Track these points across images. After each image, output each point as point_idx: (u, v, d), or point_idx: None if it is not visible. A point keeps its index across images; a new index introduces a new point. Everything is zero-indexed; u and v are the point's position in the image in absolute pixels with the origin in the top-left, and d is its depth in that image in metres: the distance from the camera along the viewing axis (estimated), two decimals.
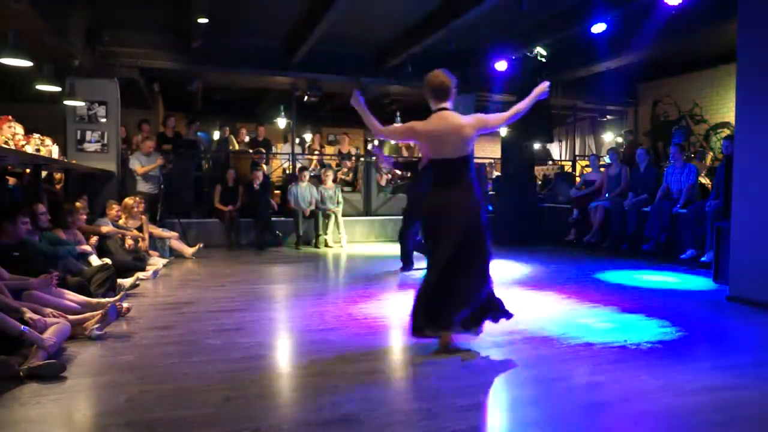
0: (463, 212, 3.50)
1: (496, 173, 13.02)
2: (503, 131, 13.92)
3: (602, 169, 9.35)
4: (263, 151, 10.67)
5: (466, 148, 3.55)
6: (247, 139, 11.54)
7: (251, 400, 2.68)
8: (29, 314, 3.27)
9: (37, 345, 3.03)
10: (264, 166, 9.86)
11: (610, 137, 13.93)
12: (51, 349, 3.09)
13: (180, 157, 9.36)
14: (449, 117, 3.54)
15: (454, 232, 3.45)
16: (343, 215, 9.55)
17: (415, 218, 6.73)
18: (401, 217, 6.93)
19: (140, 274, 5.66)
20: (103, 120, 8.42)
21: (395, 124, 3.71)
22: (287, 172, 11.04)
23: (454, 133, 3.51)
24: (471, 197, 3.55)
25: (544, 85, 3.72)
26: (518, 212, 9.73)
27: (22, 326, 3.06)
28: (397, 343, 3.84)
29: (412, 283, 5.92)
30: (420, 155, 6.94)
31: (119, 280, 5.06)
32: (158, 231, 7.59)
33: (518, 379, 3.03)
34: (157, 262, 6.65)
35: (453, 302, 3.43)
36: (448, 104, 3.60)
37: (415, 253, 6.77)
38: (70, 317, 3.60)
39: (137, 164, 8.36)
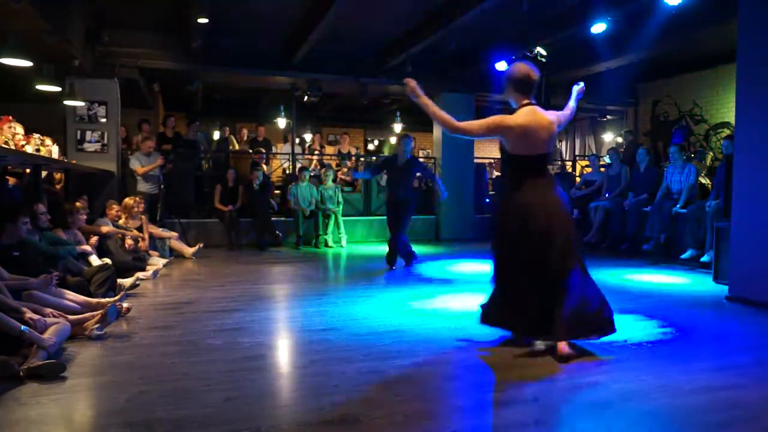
0: (547, 212, 3.36)
1: (496, 173, 13.04)
2: None
3: (602, 169, 9.35)
4: (263, 151, 10.67)
5: (551, 145, 3.51)
6: (245, 133, 11.55)
7: (251, 400, 2.68)
8: (29, 314, 3.27)
9: (37, 345, 3.03)
10: (264, 166, 9.86)
11: (610, 137, 13.93)
12: (51, 349, 3.09)
13: (180, 157, 9.36)
14: (538, 112, 3.45)
15: (542, 233, 3.31)
16: (343, 215, 9.55)
17: (403, 215, 6.74)
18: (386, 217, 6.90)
19: (140, 274, 5.65)
20: (103, 120, 8.42)
21: (476, 120, 3.46)
22: (287, 172, 11.04)
23: (544, 128, 3.41)
24: (559, 194, 3.46)
25: (580, 86, 3.81)
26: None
27: (22, 326, 3.06)
28: (398, 343, 3.84)
29: (411, 283, 5.93)
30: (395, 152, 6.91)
31: (119, 280, 5.06)
32: (158, 231, 7.58)
33: (518, 379, 3.03)
34: (157, 262, 6.65)
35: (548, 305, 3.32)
36: (532, 99, 3.50)
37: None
38: (70, 317, 3.60)
39: (137, 164, 8.36)
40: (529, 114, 3.43)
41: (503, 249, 3.55)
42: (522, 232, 3.37)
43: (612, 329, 3.43)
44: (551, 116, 3.48)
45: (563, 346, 3.28)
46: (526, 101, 3.48)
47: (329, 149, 13.35)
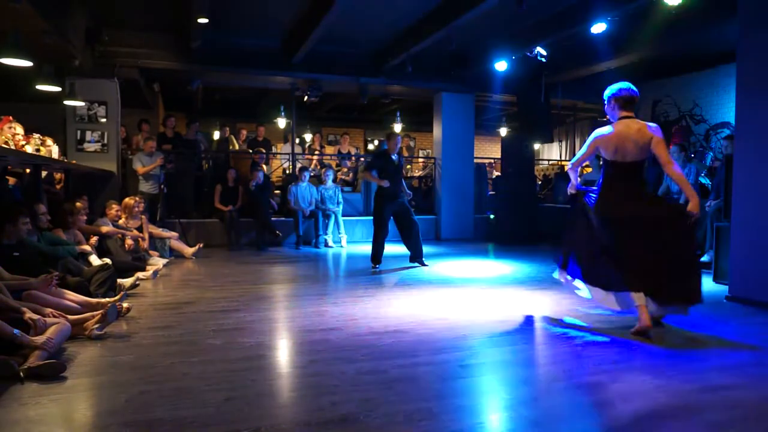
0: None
1: (496, 173, 13.04)
2: (503, 131, 13.97)
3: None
4: (263, 151, 10.68)
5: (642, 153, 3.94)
6: (244, 133, 11.57)
7: (251, 400, 2.68)
8: (29, 314, 3.27)
9: (30, 347, 3.03)
10: (264, 166, 9.86)
11: None
12: (51, 349, 3.09)
13: (180, 157, 9.36)
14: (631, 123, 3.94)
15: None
16: (343, 215, 9.55)
17: (412, 215, 6.89)
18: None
19: (140, 274, 5.66)
20: (103, 120, 8.42)
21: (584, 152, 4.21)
22: (287, 172, 11.04)
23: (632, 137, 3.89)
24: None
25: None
26: (518, 212, 9.73)
27: (14, 330, 3.04)
28: (398, 343, 3.84)
29: (412, 283, 5.93)
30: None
31: (119, 280, 5.06)
32: (158, 231, 7.59)
33: (518, 379, 3.04)
34: (157, 262, 6.66)
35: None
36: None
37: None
38: (70, 317, 3.60)
39: (139, 164, 8.38)
40: (620, 125, 3.95)
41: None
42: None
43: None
44: (644, 127, 3.89)
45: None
46: (623, 114, 3.99)
47: (329, 149, 13.36)
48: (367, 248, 7.21)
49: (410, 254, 7.04)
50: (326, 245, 9.10)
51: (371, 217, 10.20)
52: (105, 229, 6.13)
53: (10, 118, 6.02)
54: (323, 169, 10.16)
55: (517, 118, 11.06)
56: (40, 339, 3.11)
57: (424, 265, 6.94)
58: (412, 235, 6.91)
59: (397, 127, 13.75)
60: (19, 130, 6.10)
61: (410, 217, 6.88)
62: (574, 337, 3.79)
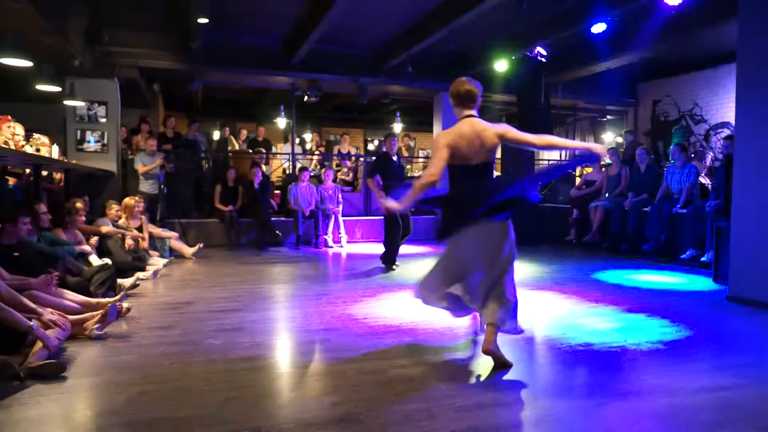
0: None
1: (496, 173, 13.02)
2: None
3: (603, 170, 9.35)
4: (263, 151, 10.68)
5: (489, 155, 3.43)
6: (244, 133, 11.57)
7: (251, 400, 2.68)
8: (48, 316, 3.27)
9: (44, 343, 3.04)
10: (264, 166, 9.86)
11: (610, 137, 13.93)
12: (52, 349, 3.09)
13: (180, 157, 9.36)
14: (476, 123, 3.42)
15: None
16: (343, 215, 9.55)
17: (408, 220, 6.82)
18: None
19: (140, 274, 5.65)
20: (103, 120, 8.42)
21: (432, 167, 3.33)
22: (287, 172, 11.04)
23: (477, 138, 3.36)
24: None
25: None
26: (518, 212, 9.71)
27: (31, 322, 3.06)
28: (398, 343, 3.84)
29: (411, 283, 5.92)
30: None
31: (119, 280, 5.06)
32: (158, 231, 7.58)
33: (519, 379, 3.03)
34: (157, 262, 6.65)
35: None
36: (473, 111, 3.50)
37: None
38: (70, 317, 3.60)
39: (140, 164, 8.39)
40: (462, 126, 3.41)
41: None
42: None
43: None
44: (492, 127, 3.43)
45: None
46: (467, 113, 3.47)
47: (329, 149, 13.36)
48: (367, 248, 7.19)
49: (384, 254, 6.90)
50: (326, 245, 9.10)
51: (371, 218, 10.28)
52: (105, 229, 6.12)
53: (10, 117, 6.03)
54: (323, 169, 10.16)
55: (517, 118, 11.06)
56: (51, 333, 3.14)
57: (392, 269, 6.78)
58: (401, 237, 6.90)
59: (397, 127, 13.76)
60: (19, 130, 6.10)
61: (408, 220, 6.88)
62: (573, 336, 3.79)
